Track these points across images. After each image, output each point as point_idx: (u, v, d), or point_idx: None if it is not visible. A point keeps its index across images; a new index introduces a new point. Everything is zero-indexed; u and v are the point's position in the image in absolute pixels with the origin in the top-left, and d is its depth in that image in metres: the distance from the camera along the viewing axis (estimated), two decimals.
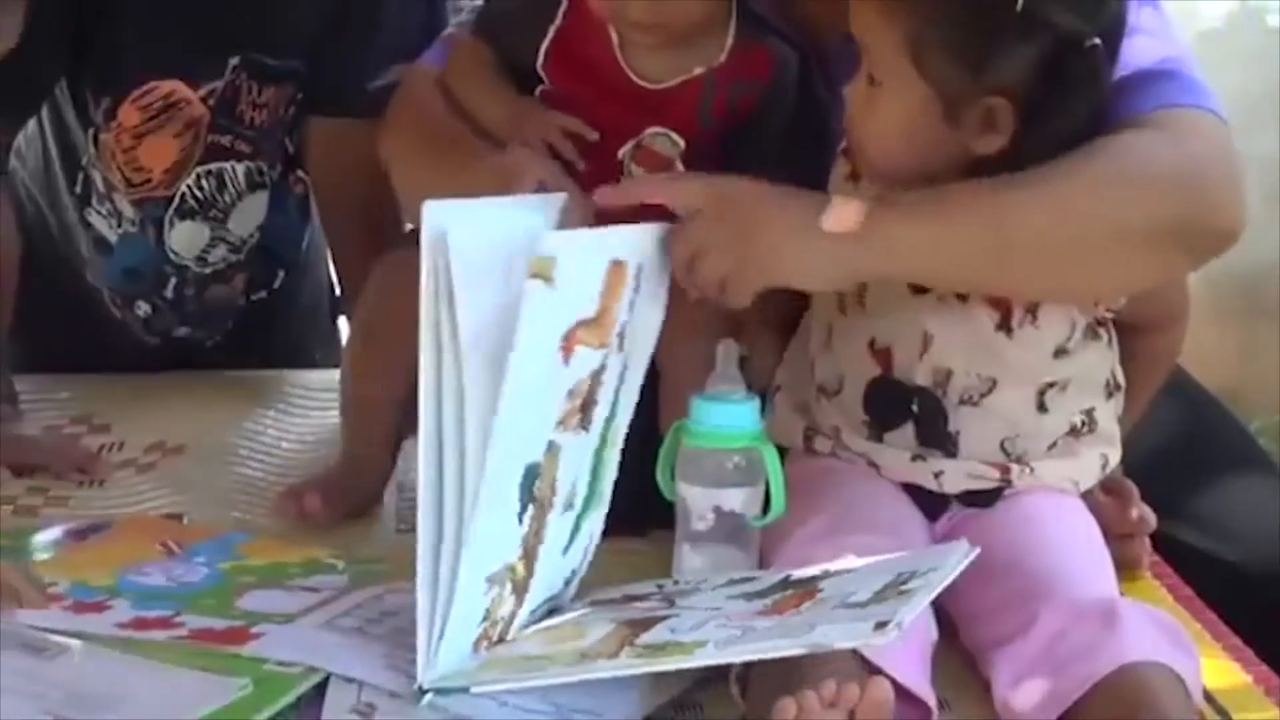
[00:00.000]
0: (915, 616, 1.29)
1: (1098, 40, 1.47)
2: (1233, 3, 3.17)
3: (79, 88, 1.99)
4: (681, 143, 1.73)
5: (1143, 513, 1.63)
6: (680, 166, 1.73)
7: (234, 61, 1.97)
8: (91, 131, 2.01)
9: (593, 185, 1.71)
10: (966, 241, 1.48)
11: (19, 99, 1.93)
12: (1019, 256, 1.48)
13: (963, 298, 1.54)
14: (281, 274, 2.21)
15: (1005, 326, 1.55)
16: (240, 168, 2.06)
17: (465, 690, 1.35)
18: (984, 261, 1.48)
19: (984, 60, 1.47)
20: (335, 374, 1.90)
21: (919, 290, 1.55)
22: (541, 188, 1.59)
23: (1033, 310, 1.54)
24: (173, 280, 2.11)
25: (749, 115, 1.75)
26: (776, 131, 1.75)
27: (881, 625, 1.26)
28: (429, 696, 1.35)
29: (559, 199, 1.55)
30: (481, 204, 1.44)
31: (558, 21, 1.73)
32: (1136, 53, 1.54)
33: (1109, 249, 1.48)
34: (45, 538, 1.67)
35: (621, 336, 1.49)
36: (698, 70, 1.72)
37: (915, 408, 1.56)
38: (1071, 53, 1.47)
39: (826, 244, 1.49)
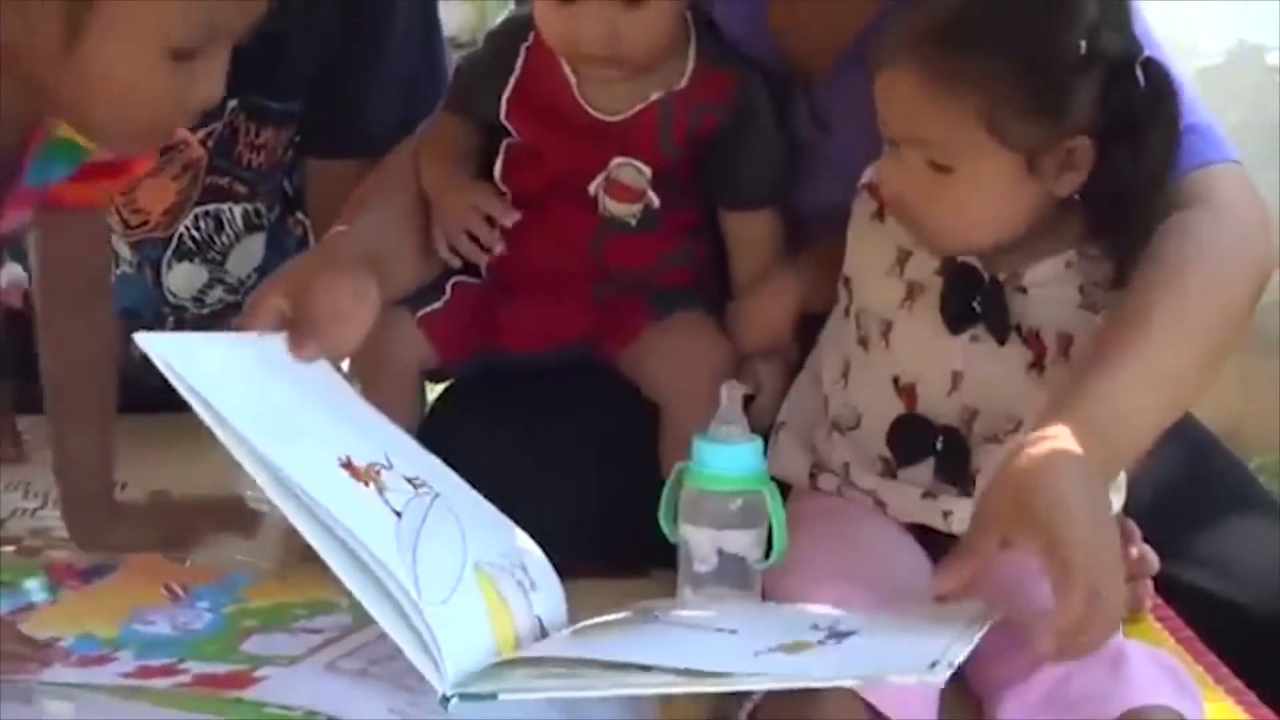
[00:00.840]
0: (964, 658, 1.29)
1: (1146, 53, 1.51)
2: (1232, 40, 3.18)
3: None
4: (648, 171, 1.75)
5: (1144, 554, 1.63)
6: (651, 194, 1.75)
7: (233, 103, 1.98)
8: None
9: (568, 224, 1.77)
10: (1153, 403, 1.47)
11: None
12: (1190, 381, 1.52)
13: (1000, 339, 1.55)
14: None
15: (1038, 365, 1.56)
16: (238, 209, 2.06)
17: (494, 696, 1.33)
18: (1170, 403, 1.50)
19: (1060, 109, 1.49)
20: None
21: (949, 328, 1.56)
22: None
23: (1065, 349, 1.56)
24: (170, 321, 2.11)
25: (712, 137, 1.76)
26: (748, 156, 1.77)
27: (934, 665, 1.26)
28: (455, 702, 1.33)
29: (276, 340, 1.53)
30: (199, 339, 1.51)
31: (516, 72, 1.77)
32: None
33: (1231, 340, 1.57)
34: (48, 580, 1.67)
35: None
36: (655, 96, 1.73)
37: (939, 446, 1.57)
38: (1130, 73, 1.50)
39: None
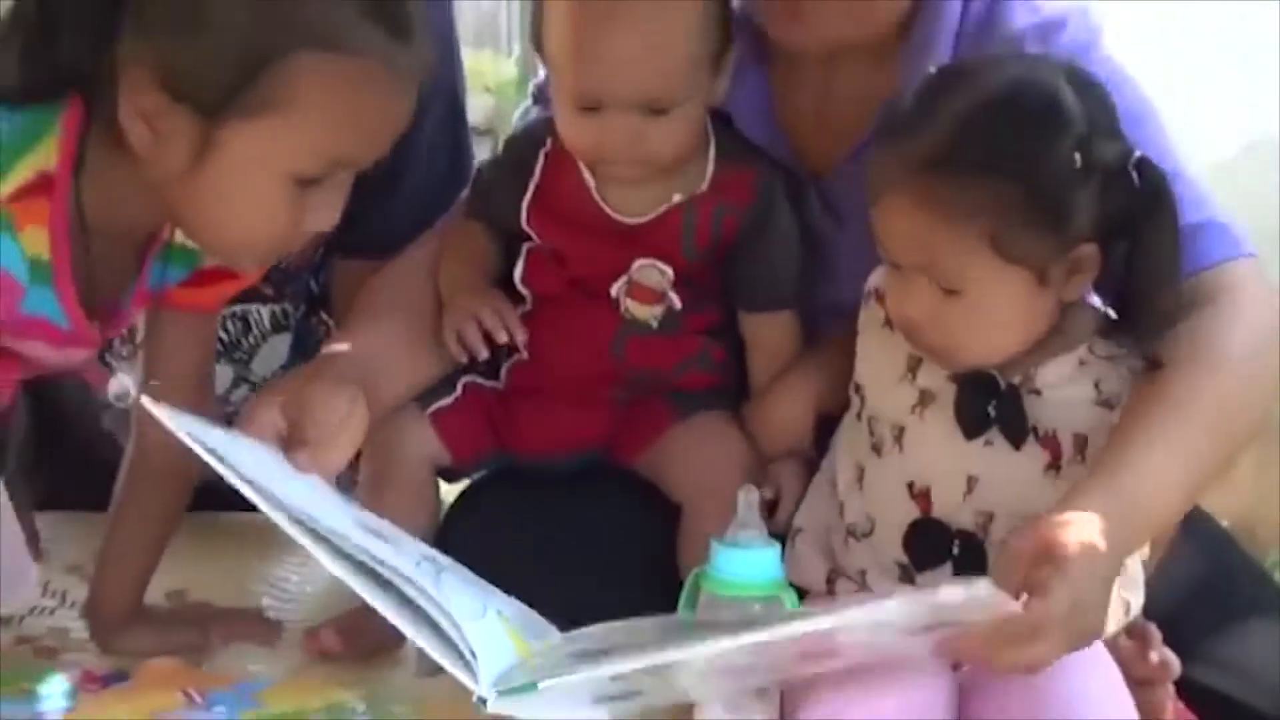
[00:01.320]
0: None
1: (1138, 153, 1.52)
2: (1245, 135, 3.19)
3: None
4: (670, 272, 1.76)
5: (1165, 658, 1.62)
6: (673, 296, 1.76)
7: None
8: None
9: (590, 326, 1.77)
10: (1175, 485, 1.51)
11: None
12: (1209, 470, 1.54)
13: (1016, 443, 1.56)
14: None
15: (1055, 466, 1.56)
16: (265, 310, 2.07)
17: (534, 686, 1.34)
18: (1190, 490, 1.53)
19: (1063, 222, 1.50)
20: None
21: (965, 435, 1.56)
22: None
23: (1081, 449, 1.56)
24: None
25: (734, 238, 1.76)
26: (768, 260, 1.77)
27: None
28: (494, 699, 1.34)
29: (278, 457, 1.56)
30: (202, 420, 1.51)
31: (535, 178, 1.78)
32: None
33: (1250, 431, 1.60)
34: (64, 685, 1.66)
35: None
36: (677, 198, 1.74)
37: (956, 550, 1.57)
38: (1126, 176, 1.51)
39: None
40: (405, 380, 1.80)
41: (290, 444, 1.55)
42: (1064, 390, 1.57)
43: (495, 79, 5.90)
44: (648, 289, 1.77)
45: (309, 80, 1.43)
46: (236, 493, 2.14)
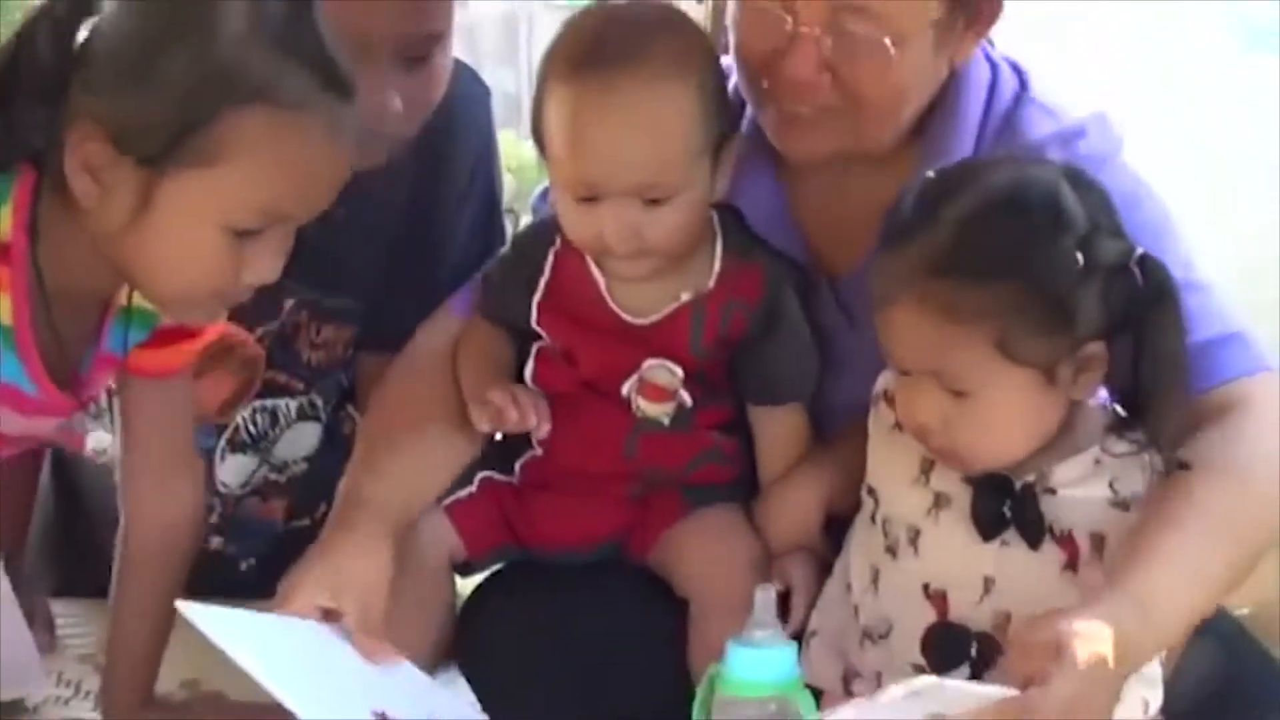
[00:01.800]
0: None
1: (1140, 250, 1.53)
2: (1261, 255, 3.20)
3: None
4: (680, 371, 1.76)
5: None
6: (683, 394, 1.76)
7: (290, 303, 1.99)
8: None
9: (601, 424, 1.78)
10: (1189, 595, 1.52)
11: None
12: (1225, 578, 1.56)
13: (1033, 544, 1.56)
14: (324, 506, 2.20)
15: (1072, 566, 1.56)
16: (294, 403, 2.08)
17: None
18: (1206, 598, 1.55)
19: (1068, 322, 1.51)
20: None
21: (981, 536, 1.56)
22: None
23: (1099, 548, 1.56)
24: (218, 507, 2.11)
25: (743, 334, 1.76)
26: (777, 354, 1.77)
27: None
28: None
29: (323, 630, 1.59)
30: (233, 613, 1.54)
31: (546, 275, 1.79)
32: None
33: (1269, 540, 1.61)
34: None
35: None
36: (685, 297, 1.75)
37: (974, 652, 1.57)
38: (1128, 272, 1.52)
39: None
40: (435, 493, 1.82)
41: (332, 616, 1.60)
42: (1079, 489, 1.57)
43: (516, 160, 5.93)
44: (658, 387, 1.77)
45: (249, 133, 1.47)
46: (249, 574, 2.17)
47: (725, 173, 1.74)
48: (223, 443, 2.07)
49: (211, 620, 1.49)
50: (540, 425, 1.76)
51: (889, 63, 1.67)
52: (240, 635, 1.48)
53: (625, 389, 1.78)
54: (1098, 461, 1.58)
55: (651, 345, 1.76)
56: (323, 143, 1.51)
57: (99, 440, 2.03)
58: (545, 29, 7.26)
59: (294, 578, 1.66)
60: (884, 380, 1.67)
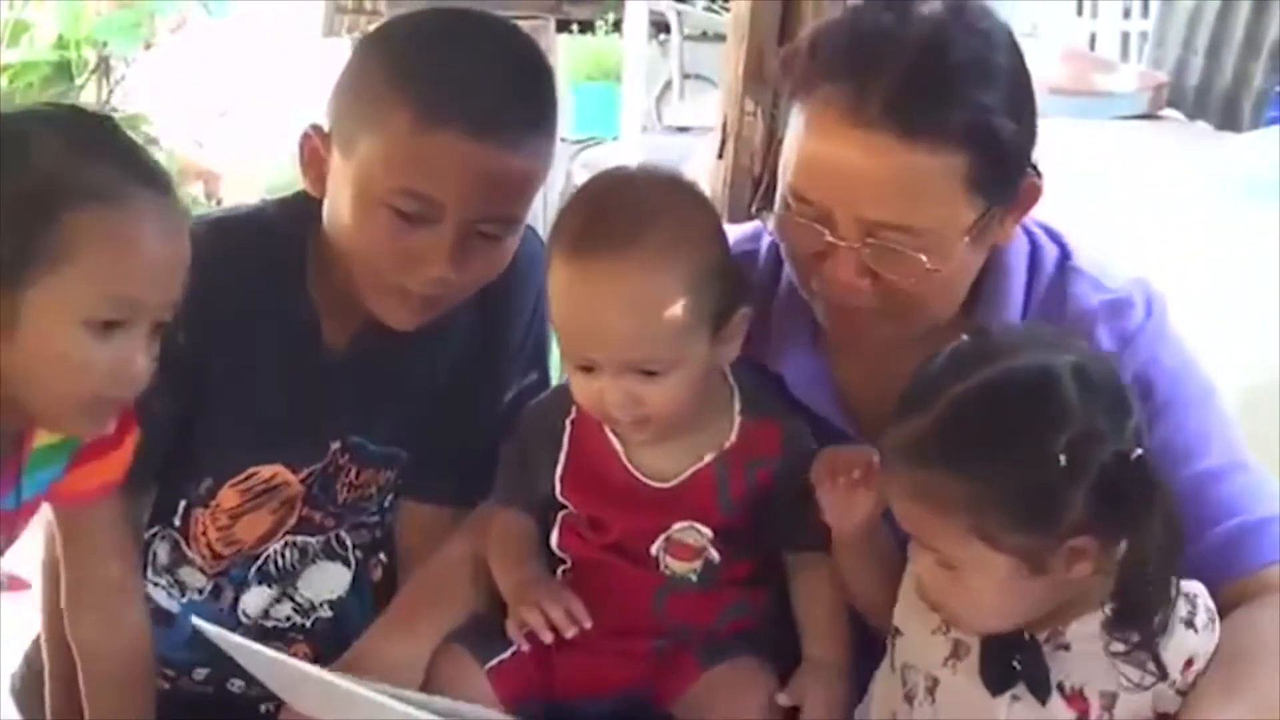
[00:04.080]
0: None
1: (1139, 450, 1.52)
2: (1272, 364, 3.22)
3: (179, 466, 2.00)
4: (708, 531, 1.77)
5: None
6: (712, 551, 1.77)
7: (335, 445, 2.01)
8: (183, 505, 2.03)
9: (629, 584, 1.79)
10: None
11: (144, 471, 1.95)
12: None
13: (1041, 699, 1.56)
14: None
15: None
16: (320, 539, 2.08)
17: None
18: None
19: (1050, 521, 1.49)
20: None
21: (989, 690, 1.57)
22: None
23: (1109, 707, 1.56)
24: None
25: (770, 489, 1.78)
26: (803, 499, 1.75)
27: None
28: None
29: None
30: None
31: (565, 447, 1.81)
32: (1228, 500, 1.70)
33: None
34: None
35: None
36: (708, 457, 1.76)
37: None
38: (1124, 472, 1.50)
39: None
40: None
41: None
42: (1093, 644, 1.56)
43: None
44: (687, 546, 1.78)
45: (87, 231, 1.59)
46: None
47: (734, 342, 1.76)
48: (252, 571, 2.07)
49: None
50: (580, 620, 1.76)
51: (928, 272, 1.70)
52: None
53: (654, 549, 1.79)
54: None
55: (677, 506, 1.78)
56: (154, 230, 1.63)
57: None
58: (561, 160, 7.34)
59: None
60: None
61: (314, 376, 1.96)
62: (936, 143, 1.66)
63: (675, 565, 1.79)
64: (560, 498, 1.82)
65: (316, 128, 1.88)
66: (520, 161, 1.81)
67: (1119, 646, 1.54)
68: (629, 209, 1.71)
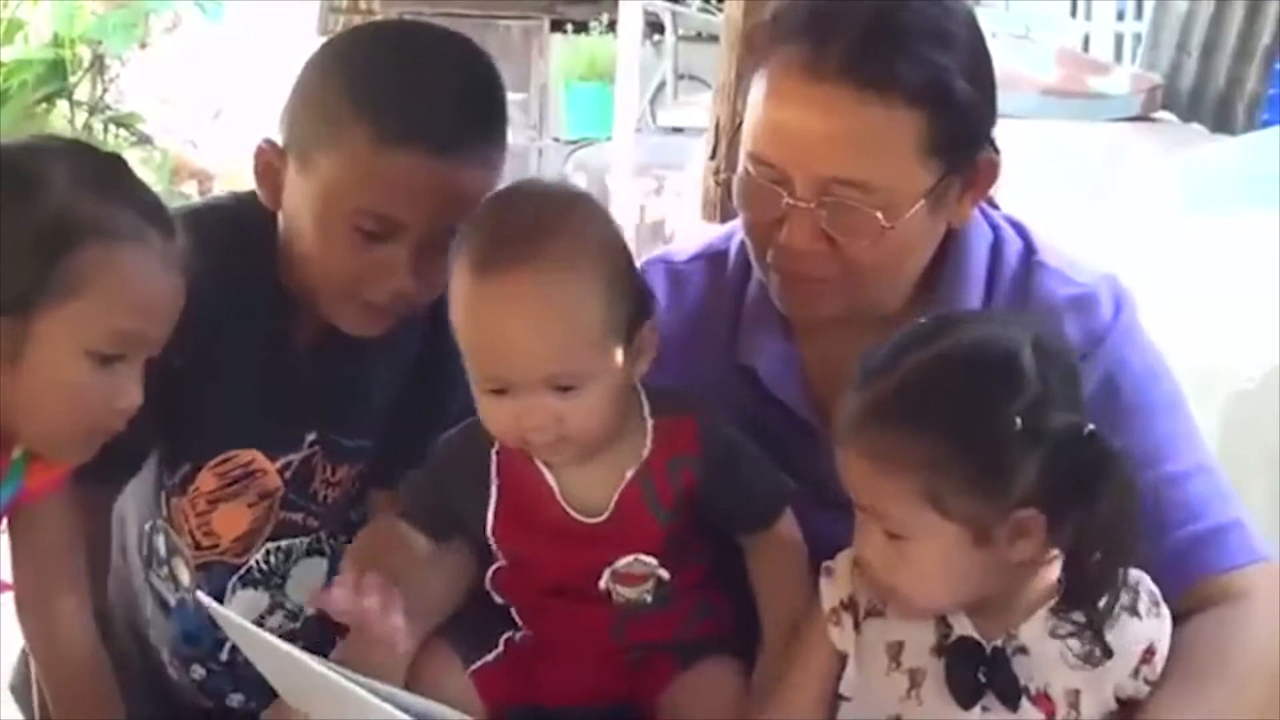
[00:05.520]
0: None
1: (1092, 426, 1.53)
2: (1268, 364, 3.22)
3: (160, 454, 2.00)
4: (652, 560, 1.74)
5: None
6: (661, 571, 1.74)
7: (310, 437, 2.02)
8: (164, 494, 2.02)
9: (583, 618, 1.75)
10: None
11: (125, 459, 1.96)
12: None
13: (1011, 706, 1.55)
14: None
15: None
16: (305, 541, 2.07)
17: None
18: None
19: (1001, 485, 1.50)
20: None
21: (960, 705, 1.56)
22: None
23: (1075, 704, 1.56)
24: (228, 644, 2.13)
25: (698, 485, 1.74)
26: (736, 484, 1.74)
27: None
28: None
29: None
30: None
31: (494, 482, 1.76)
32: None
33: None
34: None
35: None
36: (630, 473, 1.72)
37: None
38: (1075, 445, 1.51)
39: None
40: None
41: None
42: (1049, 644, 1.56)
43: None
44: (635, 575, 1.75)
45: (97, 266, 1.64)
46: None
47: (647, 354, 1.72)
48: (234, 579, 2.06)
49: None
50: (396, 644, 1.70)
51: (882, 231, 1.69)
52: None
53: (602, 584, 1.75)
54: (1051, 618, 1.58)
55: (616, 540, 1.74)
56: (159, 268, 1.69)
57: None
58: (554, 160, 7.37)
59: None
60: (828, 594, 1.65)
61: (284, 368, 1.96)
62: (893, 98, 1.67)
63: (626, 592, 1.75)
64: (490, 537, 1.77)
65: (270, 142, 1.88)
66: (479, 174, 1.82)
67: (1066, 628, 1.55)
68: (528, 222, 1.67)
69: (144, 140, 7.30)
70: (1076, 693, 1.56)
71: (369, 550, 1.79)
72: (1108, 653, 1.55)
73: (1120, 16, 7.09)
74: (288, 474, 2.01)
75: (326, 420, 2.00)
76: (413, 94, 1.80)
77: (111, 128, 7.52)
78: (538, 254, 1.64)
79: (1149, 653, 1.58)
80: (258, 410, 1.97)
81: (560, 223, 1.67)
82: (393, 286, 1.83)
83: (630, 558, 1.74)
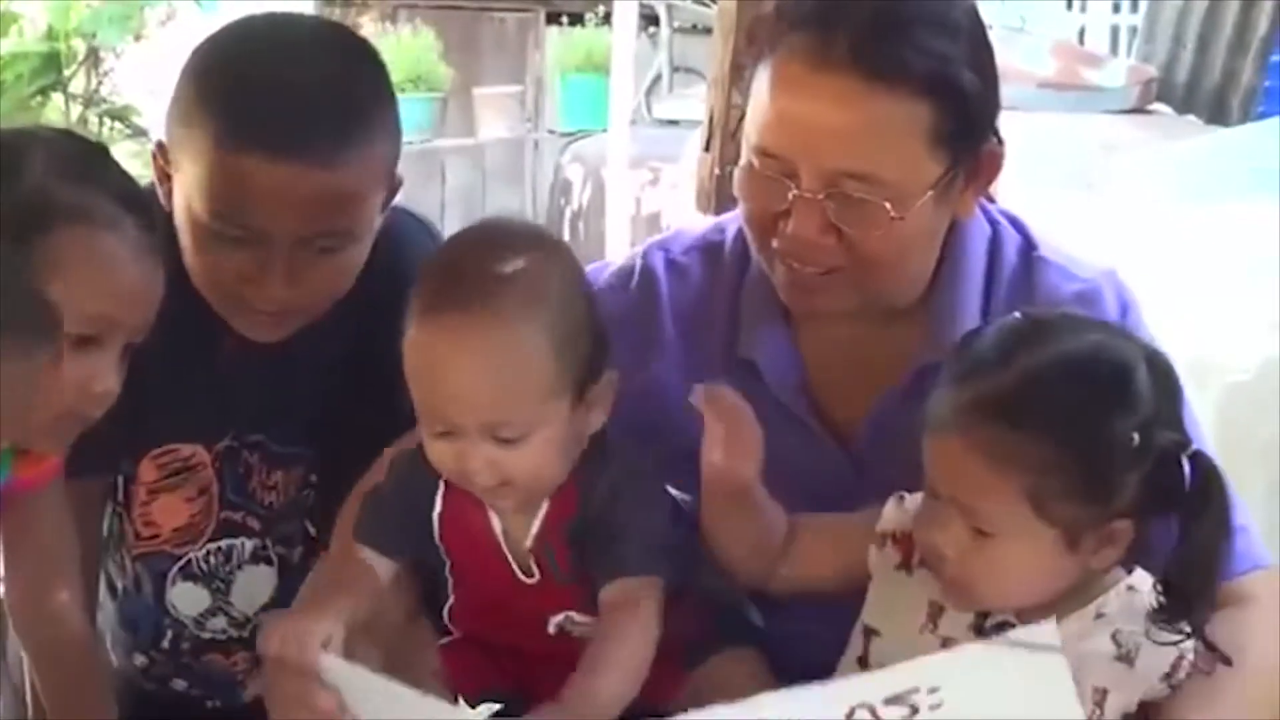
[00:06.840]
0: None
1: (1196, 446, 1.54)
2: (1261, 356, 3.22)
3: (118, 444, 2.00)
4: (585, 619, 1.71)
5: None
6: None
7: (232, 434, 2.01)
8: (121, 480, 2.04)
9: (551, 658, 1.71)
10: None
11: (113, 450, 1.98)
12: None
13: None
14: None
15: None
16: (250, 544, 2.07)
17: None
18: None
19: (1106, 496, 1.52)
20: None
21: None
22: None
23: (1100, 703, 1.57)
24: (169, 634, 2.11)
25: (571, 545, 1.70)
26: (602, 543, 1.69)
27: None
28: None
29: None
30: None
31: (438, 508, 1.74)
32: None
33: None
34: None
35: None
36: (533, 532, 1.71)
37: None
38: (1177, 462, 1.53)
39: None
40: None
41: None
42: (1083, 644, 1.57)
43: None
44: (578, 623, 1.73)
45: (74, 249, 1.65)
46: (215, 715, 2.16)
47: (601, 406, 1.69)
48: (175, 569, 2.06)
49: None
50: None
51: (891, 223, 1.69)
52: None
53: (551, 629, 1.74)
54: (1100, 615, 1.59)
55: (549, 597, 1.73)
56: (136, 255, 1.69)
57: None
58: (550, 152, 7.36)
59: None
60: (889, 520, 1.67)
61: (211, 366, 1.96)
62: (901, 89, 1.67)
63: (579, 630, 1.73)
64: (447, 620, 1.78)
65: (159, 143, 1.87)
66: (334, 176, 1.78)
67: (1166, 636, 1.56)
68: (484, 269, 1.64)
69: (139, 133, 7.30)
70: (1104, 692, 1.57)
71: (328, 587, 1.74)
72: (1225, 660, 1.57)
73: (1116, 9, 7.08)
74: (217, 464, 2.00)
75: (248, 421, 2.00)
76: (251, 95, 1.77)
77: (106, 120, 7.51)
78: (485, 304, 1.61)
79: (1180, 658, 1.58)
80: (192, 405, 1.97)
81: (513, 272, 1.64)
82: (268, 294, 1.80)
83: (562, 615, 1.72)
